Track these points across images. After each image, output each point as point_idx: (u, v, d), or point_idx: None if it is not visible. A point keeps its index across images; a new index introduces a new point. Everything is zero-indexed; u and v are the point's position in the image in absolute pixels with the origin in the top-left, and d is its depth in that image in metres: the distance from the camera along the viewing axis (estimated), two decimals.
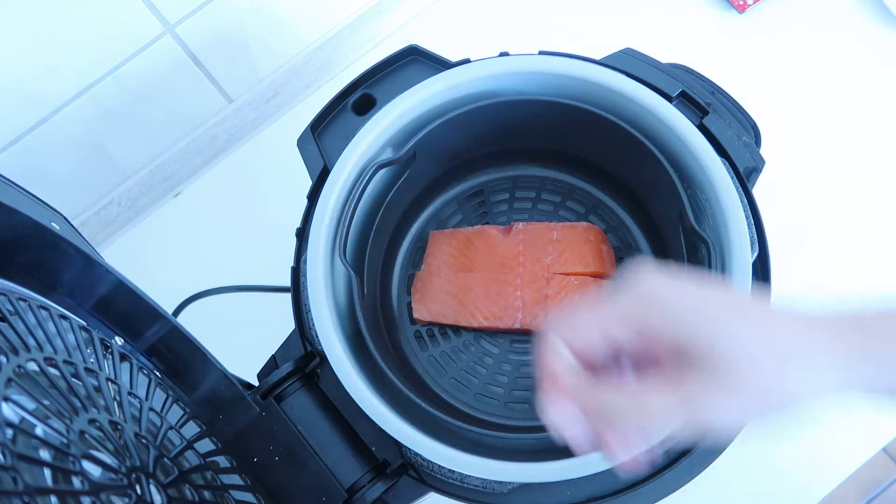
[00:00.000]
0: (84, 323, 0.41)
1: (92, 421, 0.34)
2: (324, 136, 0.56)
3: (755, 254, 0.50)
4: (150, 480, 0.35)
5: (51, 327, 0.37)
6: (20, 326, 0.34)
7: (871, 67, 0.72)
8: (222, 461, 0.45)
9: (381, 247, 0.60)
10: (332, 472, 0.48)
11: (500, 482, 0.48)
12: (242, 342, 0.57)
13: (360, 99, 0.57)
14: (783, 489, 0.61)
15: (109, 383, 0.39)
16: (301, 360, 0.52)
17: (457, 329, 0.60)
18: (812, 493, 0.61)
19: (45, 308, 0.38)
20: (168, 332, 0.46)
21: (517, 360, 0.59)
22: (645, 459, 0.33)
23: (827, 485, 0.61)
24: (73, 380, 0.35)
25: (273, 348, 0.54)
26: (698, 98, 0.53)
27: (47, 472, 0.29)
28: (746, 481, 0.61)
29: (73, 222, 0.43)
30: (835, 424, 0.62)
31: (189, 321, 0.51)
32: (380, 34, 0.80)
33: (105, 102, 0.69)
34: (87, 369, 0.37)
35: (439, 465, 0.49)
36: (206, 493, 0.40)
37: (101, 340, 0.41)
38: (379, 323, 0.58)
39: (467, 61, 0.54)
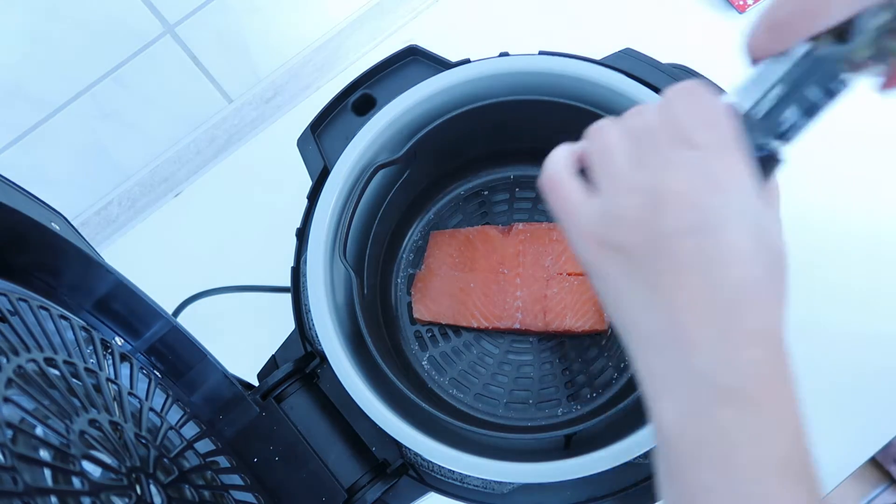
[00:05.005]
0: (84, 323, 0.41)
1: (92, 421, 0.34)
2: (324, 136, 0.56)
3: None
4: (150, 480, 0.35)
5: (51, 327, 0.37)
6: (20, 326, 0.34)
7: None
8: (222, 461, 0.45)
9: (381, 247, 0.60)
10: (332, 472, 0.48)
11: (500, 482, 0.48)
12: (242, 342, 0.57)
13: (360, 99, 0.57)
14: None
15: (109, 383, 0.39)
16: (301, 361, 0.52)
17: (457, 329, 0.60)
18: None
19: (46, 308, 0.38)
20: (168, 332, 0.46)
21: (517, 361, 0.59)
22: None
23: (824, 486, 0.61)
24: (74, 380, 0.35)
25: (273, 348, 0.54)
26: None
27: (47, 472, 0.29)
28: None
29: (73, 222, 0.43)
30: (834, 425, 0.62)
31: (189, 321, 0.51)
32: (380, 34, 0.80)
33: (105, 102, 0.69)
34: (87, 369, 0.37)
35: (439, 465, 0.49)
36: (206, 493, 0.40)
37: (102, 340, 0.41)
38: (379, 323, 0.58)
39: (467, 61, 0.54)
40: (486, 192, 0.63)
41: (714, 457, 0.27)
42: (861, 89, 0.32)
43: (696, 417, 0.27)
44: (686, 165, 0.27)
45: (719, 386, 0.27)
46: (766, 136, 0.30)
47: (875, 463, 1.23)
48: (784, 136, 0.30)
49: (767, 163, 0.30)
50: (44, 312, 0.37)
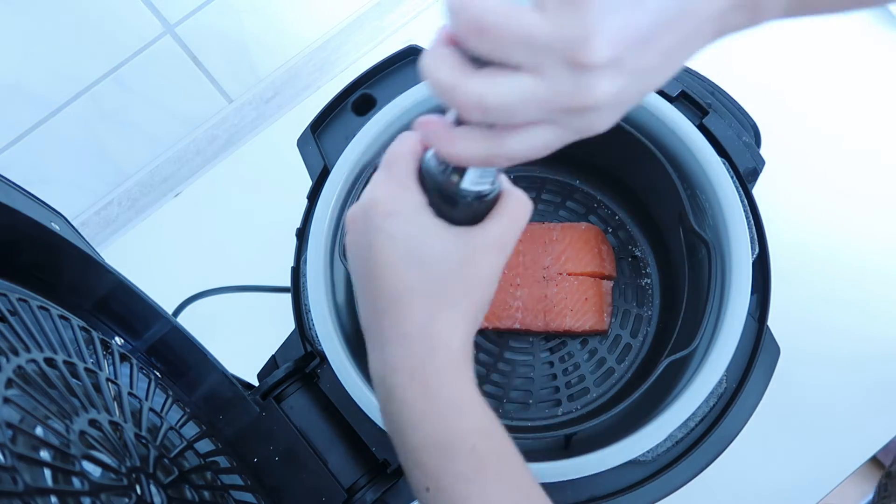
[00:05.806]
0: (84, 323, 0.41)
1: (92, 421, 0.34)
2: (324, 136, 0.56)
3: (755, 254, 0.50)
4: (150, 480, 0.35)
5: (51, 327, 0.37)
6: (20, 326, 0.34)
7: (871, 67, 0.72)
8: (222, 461, 0.45)
9: None
10: (332, 472, 0.48)
11: None
12: (242, 342, 0.57)
13: (360, 99, 0.57)
14: (781, 491, 0.61)
15: (109, 383, 0.39)
16: (301, 361, 0.52)
17: None
18: (810, 495, 0.61)
19: (46, 308, 0.38)
20: (168, 332, 0.46)
21: (516, 360, 0.59)
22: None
23: (825, 486, 0.61)
24: (73, 380, 0.35)
25: (273, 348, 0.54)
26: (698, 98, 0.53)
27: (47, 472, 0.29)
28: (745, 482, 0.62)
29: (73, 222, 0.43)
30: (835, 424, 0.62)
31: (189, 321, 0.51)
32: (380, 34, 0.80)
33: (105, 102, 0.69)
34: (87, 369, 0.37)
35: None
36: (206, 493, 0.40)
37: (102, 340, 0.41)
38: None
39: None
40: None
41: (388, 398, 0.35)
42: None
43: (382, 376, 0.35)
44: (364, 196, 0.35)
45: (388, 364, 0.35)
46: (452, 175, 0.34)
47: (876, 462, 1.23)
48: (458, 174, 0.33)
49: (459, 196, 0.33)
50: (44, 312, 0.37)
